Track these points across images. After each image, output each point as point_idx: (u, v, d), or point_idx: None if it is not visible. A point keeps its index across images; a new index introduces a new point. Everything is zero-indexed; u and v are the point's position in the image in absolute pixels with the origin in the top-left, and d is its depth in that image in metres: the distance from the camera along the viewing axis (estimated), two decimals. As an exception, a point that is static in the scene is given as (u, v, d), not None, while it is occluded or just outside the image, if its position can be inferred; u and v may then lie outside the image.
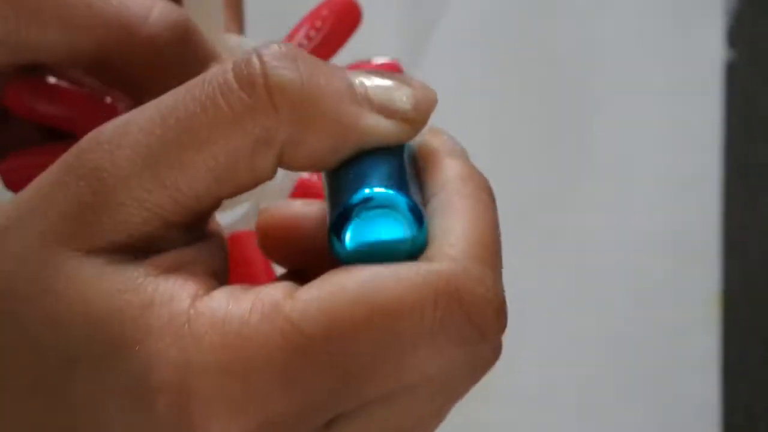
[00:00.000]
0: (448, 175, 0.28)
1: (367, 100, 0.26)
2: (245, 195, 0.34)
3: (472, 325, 0.25)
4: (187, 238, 0.26)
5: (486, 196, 0.28)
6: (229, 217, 0.35)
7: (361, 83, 0.26)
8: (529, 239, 0.63)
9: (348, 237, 0.25)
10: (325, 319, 0.24)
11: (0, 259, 0.25)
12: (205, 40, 0.32)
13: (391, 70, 0.34)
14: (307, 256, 0.28)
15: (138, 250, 0.25)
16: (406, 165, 0.27)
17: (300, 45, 0.33)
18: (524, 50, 0.66)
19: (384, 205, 0.25)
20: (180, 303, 0.25)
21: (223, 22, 0.34)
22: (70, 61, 0.32)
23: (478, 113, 0.65)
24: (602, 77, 0.65)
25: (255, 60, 0.25)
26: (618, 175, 0.64)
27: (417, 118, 0.28)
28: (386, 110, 0.27)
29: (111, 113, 0.33)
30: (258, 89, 0.25)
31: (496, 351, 0.26)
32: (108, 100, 0.33)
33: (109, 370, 0.24)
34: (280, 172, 0.34)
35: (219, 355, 0.24)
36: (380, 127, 0.26)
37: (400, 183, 0.26)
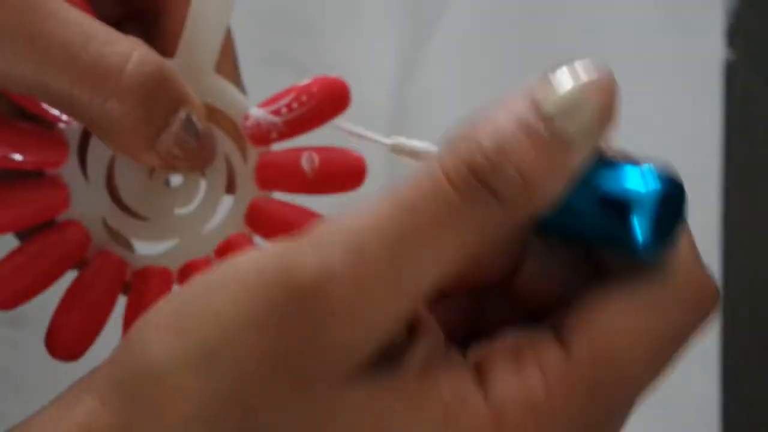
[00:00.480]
0: None
1: (562, 142, 0.27)
2: (171, 233, 0.35)
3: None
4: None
5: None
6: (150, 250, 0.35)
7: (541, 119, 0.27)
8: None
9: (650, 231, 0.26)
10: (610, 370, 0.26)
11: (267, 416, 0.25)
12: (179, 85, 0.32)
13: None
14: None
15: (384, 356, 0.25)
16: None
17: (279, 112, 0.34)
18: (524, 50, 0.66)
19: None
20: (475, 398, 0.25)
21: (215, 63, 0.34)
22: (38, 96, 0.31)
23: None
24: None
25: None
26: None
27: (607, 115, 0.28)
28: (577, 129, 0.27)
29: (58, 146, 0.33)
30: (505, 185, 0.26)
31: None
32: (55, 132, 0.34)
33: None
34: (207, 210, 0.35)
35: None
36: (582, 151, 0.27)
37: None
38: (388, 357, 0.25)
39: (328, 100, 0.34)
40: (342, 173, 0.34)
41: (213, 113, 0.34)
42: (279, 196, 0.35)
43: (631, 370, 0.26)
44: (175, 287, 0.34)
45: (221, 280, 0.26)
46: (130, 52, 0.30)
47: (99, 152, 0.34)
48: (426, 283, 0.25)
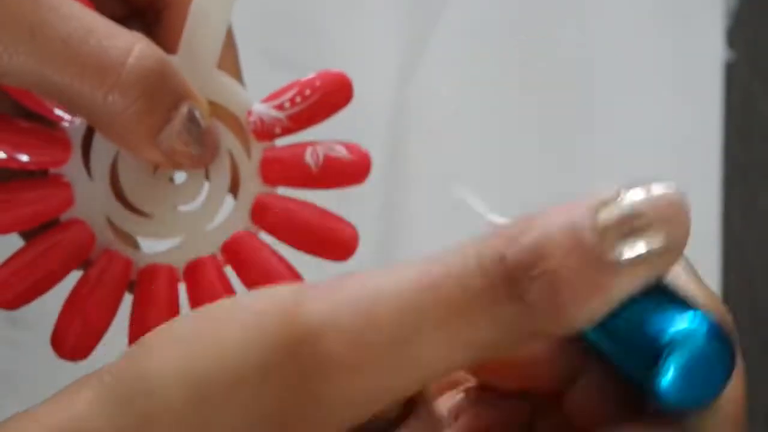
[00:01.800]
0: None
1: (615, 264, 0.23)
2: (176, 230, 0.35)
3: None
4: None
5: None
6: (155, 248, 0.35)
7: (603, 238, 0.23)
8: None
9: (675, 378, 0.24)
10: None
11: None
12: (181, 80, 0.32)
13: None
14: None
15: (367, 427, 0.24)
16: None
17: (282, 107, 0.34)
18: (524, 51, 0.66)
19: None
20: None
21: (217, 59, 0.34)
22: (39, 91, 0.31)
23: (477, 112, 0.65)
24: (602, 77, 0.66)
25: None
26: (618, 175, 0.64)
27: (673, 248, 0.24)
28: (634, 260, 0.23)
29: (62, 144, 0.33)
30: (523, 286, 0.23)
31: None
32: (58, 131, 0.34)
33: None
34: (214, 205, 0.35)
35: None
36: (634, 280, 0.23)
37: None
38: (372, 429, 0.25)
39: (332, 94, 0.34)
40: (347, 167, 0.34)
41: (216, 110, 0.34)
42: (283, 192, 0.35)
43: None
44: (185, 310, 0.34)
45: (229, 315, 0.25)
46: (131, 45, 0.30)
47: (102, 150, 0.34)
48: (432, 368, 0.24)
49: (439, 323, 0.23)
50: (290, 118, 0.34)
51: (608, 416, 0.26)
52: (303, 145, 0.34)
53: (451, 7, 0.66)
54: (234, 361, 0.24)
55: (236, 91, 0.34)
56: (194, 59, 0.33)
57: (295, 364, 0.23)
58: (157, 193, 0.34)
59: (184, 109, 0.31)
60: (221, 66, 0.34)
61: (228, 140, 0.34)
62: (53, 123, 0.34)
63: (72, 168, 0.34)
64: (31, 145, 0.33)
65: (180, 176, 0.35)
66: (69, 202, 0.33)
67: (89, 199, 0.34)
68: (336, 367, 0.23)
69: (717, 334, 0.24)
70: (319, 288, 0.24)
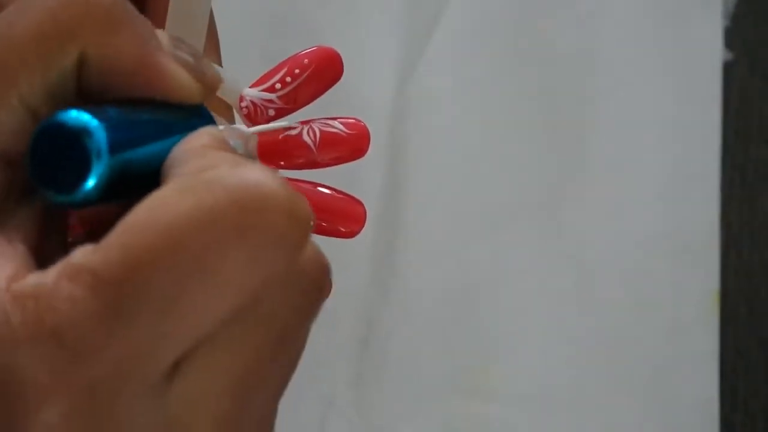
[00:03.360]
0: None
1: (170, 51, 0.27)
2: None
3: (289, 223, 0.24)
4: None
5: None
6: None
7: (166, 38, 0.27)
8: (528, 238, 0.63)
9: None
10: (124, 258, 0.23)
11: None
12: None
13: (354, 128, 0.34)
14: None
15: None
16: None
17: (273, 88, 0.33)
18: (523, 50, 0.66)
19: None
20: None
21: (202, 49, 0.34)
22: None
23: (477, 112, 0.65)
24: (601, 77, 0.66)
25: None
26: (617, 174, 0.64)
27: (206, 82, 0.28)
28: (185, 65, 0.27)
29: None
30: None
31: (321, 267, 0.26)
32: None
33: None
34: None
35: (32, 328, 0.23)
36: (178, 72, 0.27)
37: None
38: None
39: (322, 70, 0.33)
40: (345, 142, 0.34)
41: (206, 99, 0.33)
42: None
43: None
44: None
45: None
46: None
47: None
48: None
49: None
50: (283, 98, 0.34)
51: None
52: (299, 125, 0.34)
53: (451, 7, 0.66)
54: None
55: (225, 78, 0.34)
56: None
57: None
58: None
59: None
60: (204, 55, 0.34)
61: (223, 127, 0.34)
62: None
63: None
64: None
65: None
66: None
67: None
68: None
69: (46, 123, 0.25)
70: None
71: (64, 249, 0.26)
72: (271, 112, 0.34)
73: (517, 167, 0.64)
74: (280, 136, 0.34)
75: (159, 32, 0.28)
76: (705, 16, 0.67)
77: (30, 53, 0.25)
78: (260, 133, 0.34)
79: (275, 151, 0.34)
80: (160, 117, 0.27)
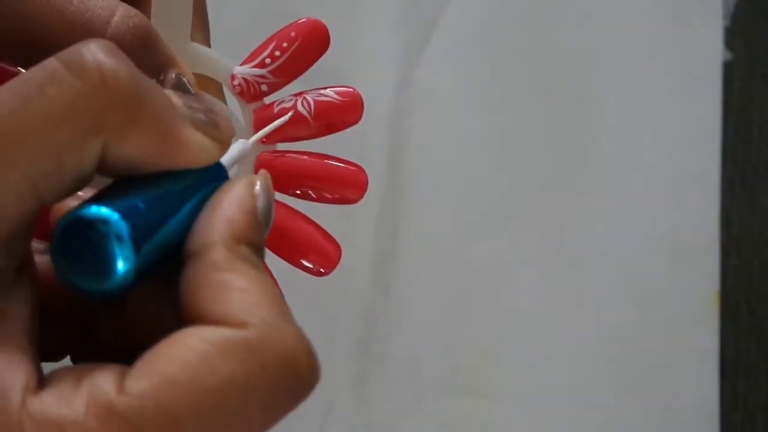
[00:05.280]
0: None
1: (188, 116, 0.26)
2: None
3: (297, 379, 0.25)
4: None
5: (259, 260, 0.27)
6: None
7: (180, 100, 0.26)
8: (528, 238, 0.63)
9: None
10: (159, 417, 0.23)
11: None
12: (165, 46, 0.31)
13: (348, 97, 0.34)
14: None
15: None
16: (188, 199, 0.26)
17: (264, 63, 0.34)
18: (524, 50, 0.66)
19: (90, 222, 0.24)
20: (11, 404, 0.23)
21: (189, 31, 0.34)
22: (24, 52, 0.30)
23: (477, 113, 0.65)
24: (602, 77, 0.66)
25: (85, 49, 0.24)
26: (617, 174, 0.64)
27: (223, 139, 0.27)
28: (202, 128, 0.26)
29: None
30: (90, 74, 0.24)
31: (312, 388, 0.26)
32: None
33: None
34: None
35: None
36: (198, 139, 0.26)
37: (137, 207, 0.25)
38: None
39: (309, 41, 0.34)
40: (339, 109, 0.34)
41: (198, 80, 0.33)
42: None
43: (173, 418, 0.24)
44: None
45: None
46: (114, 6, 0.30)
47: None
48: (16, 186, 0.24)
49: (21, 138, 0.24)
50: (274, 72, 0.34)
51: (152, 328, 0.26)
52: (292, 97, 0.34)
53: (451, 7, 0.66)
54: None
55: (214, 58, 0.34)
56: (166, 31, 0.33)
57: None
58: None
59: (171, 75, 0.31)
60: (192, 37, 0.34)
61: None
62: None
63: None
64: None
65: None
66: None
67: None
68: None
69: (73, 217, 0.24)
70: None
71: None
72: (264, 88, 0.34)
73: (518, 167, 0.64)
74: (275, 110, 0.34)
75: (170, 93, 0.27)
76: (705, 16, 0.67)
77: (47, 149, 0.24)
78: (256, 108, 0.34)
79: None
80: (176, 185, 0.26)
